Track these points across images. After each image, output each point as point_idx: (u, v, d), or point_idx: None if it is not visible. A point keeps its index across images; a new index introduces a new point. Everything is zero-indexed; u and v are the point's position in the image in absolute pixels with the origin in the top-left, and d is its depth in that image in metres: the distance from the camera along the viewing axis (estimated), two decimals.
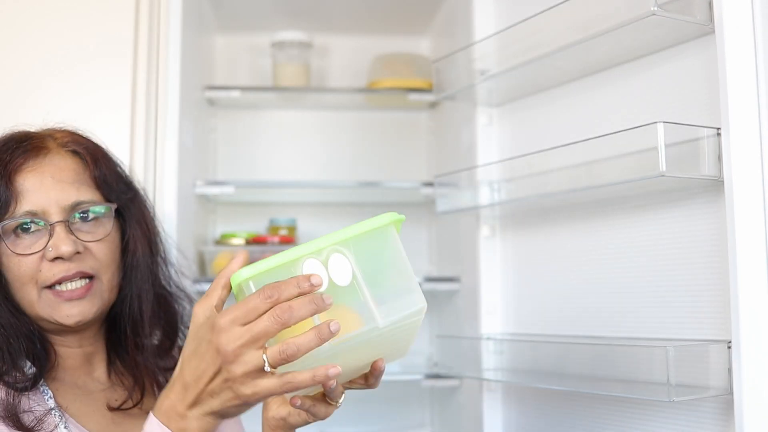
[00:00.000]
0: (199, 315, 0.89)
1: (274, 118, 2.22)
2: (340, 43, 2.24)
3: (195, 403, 0.87)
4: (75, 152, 1.15)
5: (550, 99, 1.53)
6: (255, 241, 1.98)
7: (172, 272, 1.26)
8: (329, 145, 2.22)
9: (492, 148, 1.67)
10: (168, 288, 1.23)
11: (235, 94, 1.99)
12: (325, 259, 0.87)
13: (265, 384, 0.84)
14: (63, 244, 1.05)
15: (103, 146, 1.20)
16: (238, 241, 1.98)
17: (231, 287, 0.89)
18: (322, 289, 0.85)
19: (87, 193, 1.11)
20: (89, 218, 1.11)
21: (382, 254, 0.90)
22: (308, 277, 0.84)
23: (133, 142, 1.59)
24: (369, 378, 0.98)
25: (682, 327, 1.23)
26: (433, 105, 2.16)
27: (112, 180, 1.16)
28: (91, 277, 1.09)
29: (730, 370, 1.10)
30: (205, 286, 1.85)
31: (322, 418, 0.99)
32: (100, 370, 1.17)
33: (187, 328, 0.99)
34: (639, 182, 1.20)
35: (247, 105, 2.16)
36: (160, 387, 1.15)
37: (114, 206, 1.14)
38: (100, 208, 1.12)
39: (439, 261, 2.11)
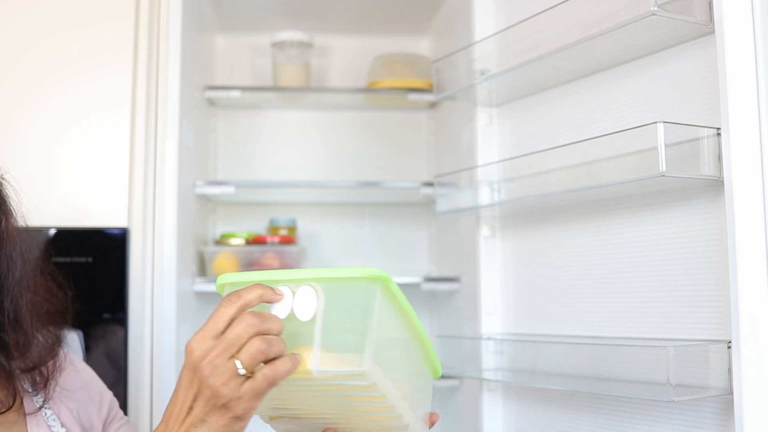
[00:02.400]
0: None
1: (274, 118, 2.22)
2: (340, 43, 2.24)
3: None
4: None
5: (550, 99, 1.53)
6: (255, 241, 1.98)
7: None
8: (329, 145, 2.22)
9: (492, 148, 1.67)
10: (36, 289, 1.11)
11: (235, 94, 1.99)
12: (295, 290, 0.87)
13: (248, 385, 0.82)
14: None
15: None
16: (238, 241, 1.98)
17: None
18: (281, 316, 0.85)
19: None
20: None
21: (352, 308, 0.86)
22: (273, 289, 0.85)
23: (133, 142, 1.59)
24: None
25: (682, 327, 1.23)
26: (433, 105, 2.16)
27: None
28: None
29: (730, 370, 1.10)
30: (205, 286, 1.85)
31: None
32: None
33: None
34: (639, 182, 1.20)
35: (247, 105, 2.16)
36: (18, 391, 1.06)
37: None
38: None
39: (439, 261, 2.11)
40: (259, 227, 2.12)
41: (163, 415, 0.87)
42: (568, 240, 1.47)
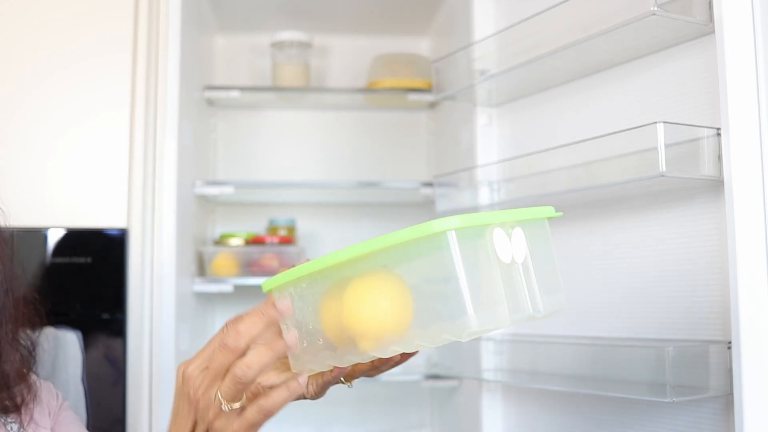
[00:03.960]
0: (178, 373, 0.86)
1: (274, 118, 2.22)
2: (339, 43, 2.24)
3: None
4: None
5: (550, 99, 1.53)
6: (254, 241, 1.98)
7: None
8: (329, 145, 2.22)
9: (491, 148, 1.67)
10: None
11: (235, 94, 1.99)
12: (510, 233, 0.84)
13: (242, 419, 0.80)
14: None
15: None
16: (237, 241, 1.98)
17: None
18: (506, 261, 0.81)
19: None
20: None
21: (545, 248, 0.87)
22: (273, 305, 0.82)
23: (132, 142, 1.59)
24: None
25: (682, 327, 1.23)
26: (432, 105, 2.16)
27: None
28: None
29: (730, 371, 1.10)
30: (204, 286, 1.85)
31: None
32: None
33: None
34: (639, 182, 1.20)
35: (246, 105, 2.16)
36: None
37: None
38: None
39: None
40: (259, 227, 2.12)
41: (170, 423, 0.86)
42: (567, 240, 1.47)
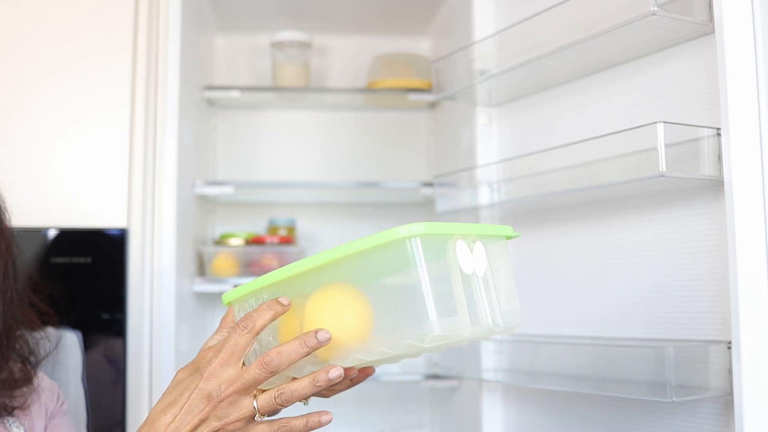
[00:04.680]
0: (178, 376, 0.88)
1: (274, 118, 2.22)
2: (340, 43, 2.24)
3: None
4: None
5: (550, 99, 1.53)
6: (254, 241, 1.98)
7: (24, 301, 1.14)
8: (329, 145, 2.22)
9: (491, 148, 1.67)
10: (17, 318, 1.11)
11: (235, 94, 1.99)
12: (472, 246, 0.85)
13: (258, 430, 0.84)
14: None
15: None
16: (237, 241, 1.98)
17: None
18: (468, 272, 0.83)
19: None
20: None
21: (502, 264, 0.88)
22: (277, 300, 0.84)
23: (132, 142, 1.59)
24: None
25: (682, 327, 1.23)
26: (432, 105, 2.16)
27: None
28: None
29: (730, 371, 1.10)
30: (204, 287, 1.85)
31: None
32: None
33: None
34: (639, 182, 1.20)
35: (246, 105, 2.16)
36: None
37: None
38: None
39: None
40: (259, 227, 2.12)
41: (153, 413, 0.86)
42: (567, 240, 1.47)
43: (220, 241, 2.00)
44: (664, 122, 1.13)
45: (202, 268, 1.92)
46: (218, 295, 2.05)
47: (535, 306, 1.56)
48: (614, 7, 1.22)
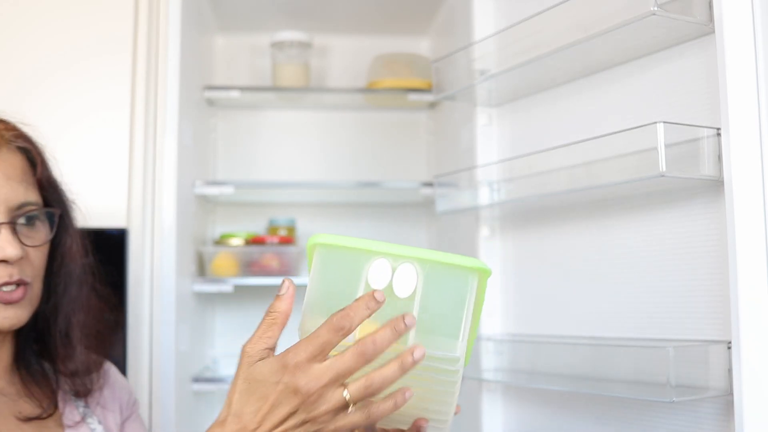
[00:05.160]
0: (252, 355, 0.84)
1: (274, 118, 2.22)
2: (340, 43, 2.24)
3: None
4: (23, 149, 1.05)
5: (550, 99, 1.53)
6: (254, 241, 1.98)
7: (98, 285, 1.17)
8: (329, 145, 2.22)
9: (491, 148, 1.67)
10: (97, 301, 1.14)
11: (235, 94, 1.99)
12: (395, 266, 0.86)
13: (349, 418, 0.83)
14: (10, 246, 0.97)
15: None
16: (237, 241, 1.98)
17: (283, 326, 0.86)
18: (380, 287, 0.84)
19: (32, 195, 1.03)
20: (32, 222, 1.02)
21: (448, 292, 0.87)
22: (373, 295, 0.82)
23: (132, 142, 1.59)
24: None
25: (682, 327, 1.23)
26: (432, 105, 2.16)
27: (54, 184, 1.09)
28: (25, 283, 1.00)
29: (730, 371, 1.10)
30: (204, 287, 1.85)
31: None
32: (3, 380, 1.05)
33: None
34: (639, 182, 1.20)
35: (246, 105, 2.16)
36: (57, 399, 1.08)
37: (58, 212, 1.06)
38: (44, 213, 1.04)
39: None
40: (259, 227, 2.12)
41: (239, 418, 0.83)
42: (567, 240, 1.47)
43: (220, 241, 2.00)
44: (664, 122, 1.13)
45: (202, 268, 1.92)
46: (218, 296, 2.06)
47: (535, 306, 1.56)
48: (614, 7, 1.22)
